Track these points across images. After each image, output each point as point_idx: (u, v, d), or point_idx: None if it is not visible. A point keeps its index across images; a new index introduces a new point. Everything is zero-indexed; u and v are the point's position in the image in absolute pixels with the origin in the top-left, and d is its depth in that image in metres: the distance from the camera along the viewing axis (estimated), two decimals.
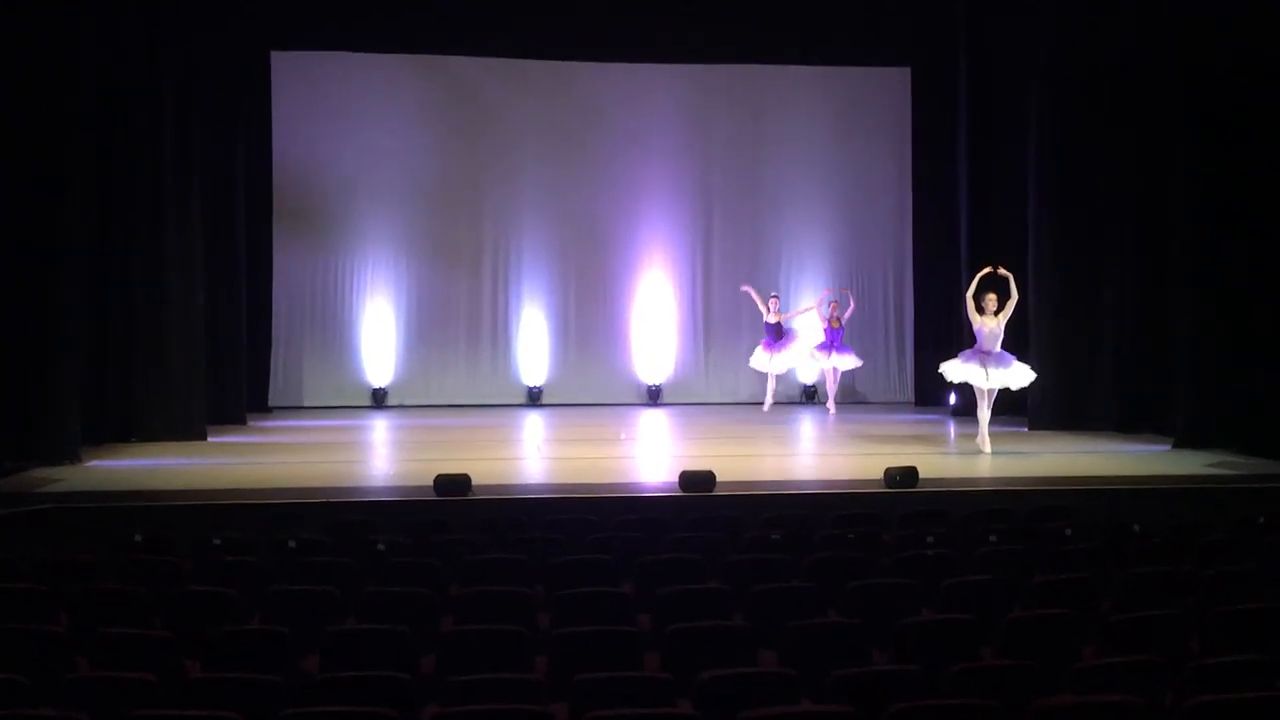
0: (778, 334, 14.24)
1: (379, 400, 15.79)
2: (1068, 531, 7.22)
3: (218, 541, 6.93)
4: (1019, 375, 11.12)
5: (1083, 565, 6.37)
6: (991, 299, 10.98)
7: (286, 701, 4.33)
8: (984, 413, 11.18)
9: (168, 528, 7.53)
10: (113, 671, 4.67)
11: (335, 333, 15.82)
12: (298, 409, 15.36)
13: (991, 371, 10.96)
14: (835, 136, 16.50)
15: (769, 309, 14.27)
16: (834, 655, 4.91)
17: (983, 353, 11.02)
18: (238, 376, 13.89)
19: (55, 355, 10.56)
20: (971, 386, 11.34)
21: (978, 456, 11.08)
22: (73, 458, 10.52)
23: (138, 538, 7.07)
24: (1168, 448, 11.50)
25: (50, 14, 10.48)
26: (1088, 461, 10.90)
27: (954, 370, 11.24)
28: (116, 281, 12.04)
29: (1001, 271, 11.11)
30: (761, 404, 14.70)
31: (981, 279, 11.14)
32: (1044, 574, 6.12)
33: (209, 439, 12.26)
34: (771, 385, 14.52)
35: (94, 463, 10.66)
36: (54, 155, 10.55)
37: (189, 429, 12.20)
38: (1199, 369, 11.47)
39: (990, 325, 10.97)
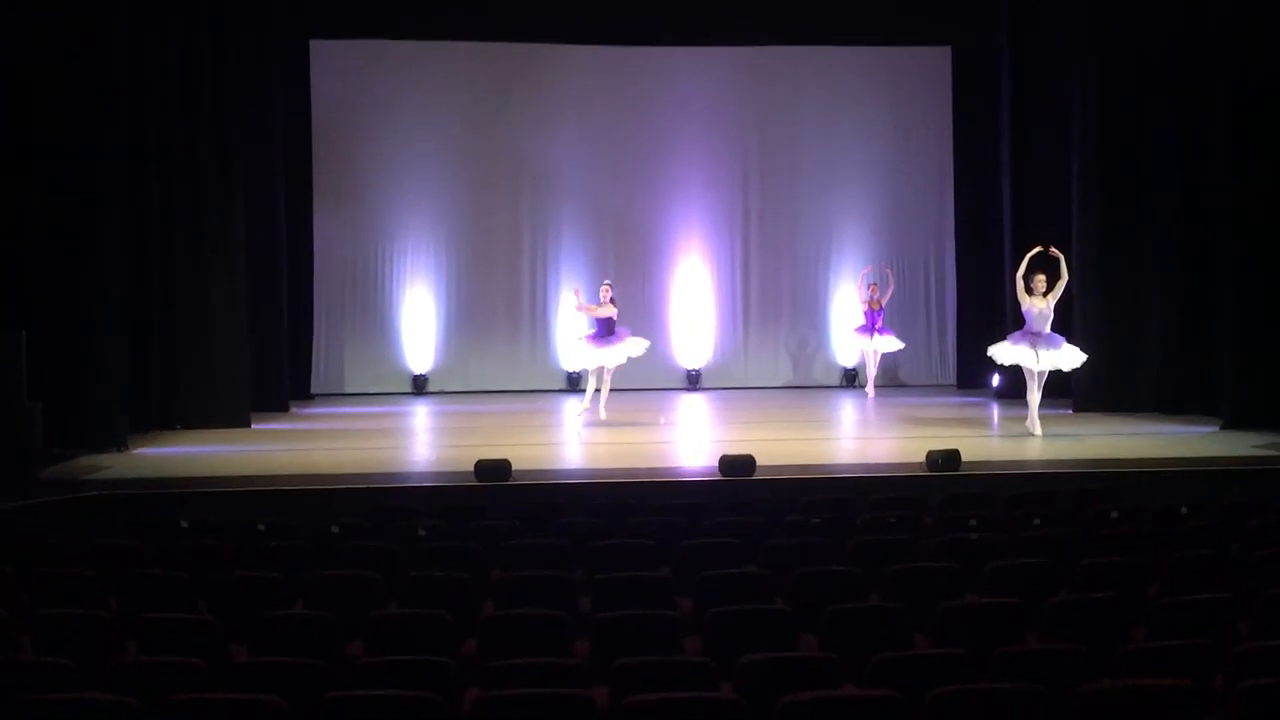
0: (609, 329, 12.06)
1: (419, 387, 15.87)
2: (1113, 514, 7.13)
3: (262, 527, 7.00)
4: (1070, 357, 10.98)
5: (1130, 548, 6.28)
6: (1041, 279, 10.83)
7: (331, 685, 4.37)
8: (1034, 395, 11.05)
9: (213, 514, 7.61)
10: (160, 656, 4.73)
11: (376, 320, 15.91)
12: (339, 396, 15.48)
13: (1042, 353, 10.82)
14: (875, 117, 16.34)
15: (602, 300, 12.10)
16: (875, 639, 4.87)
17: (1032, 334, 10.88)
18: (280, 364, 14.01)
19: (101, 345, 10.72)
20: (1020, 369, 11.21)
21: (1021, 439, 10.97)
22: (120, 445, 10.67)
23: (184, 524, 7.16)
24: (1215, 429, 11.33)
25: (83, 5, 10.58)
26: (1134, 443, 10.75)
27: (1004, 352, 11.11)
28: (160, 272, 12.16)
29: (1053, 251, 10.96)
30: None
31: (1031, 259, 10.98)
32: (1090, 557, 6.04)
33: (252, 426, 12.38)
34: (606, 384, 12.26)
35: (140, 450, 10.80)
36: (92, 146, 10.66)
37: (233, 416, 12.34)
38: (1246, 349, 11.29)
39: (1039, 306, 10.83)
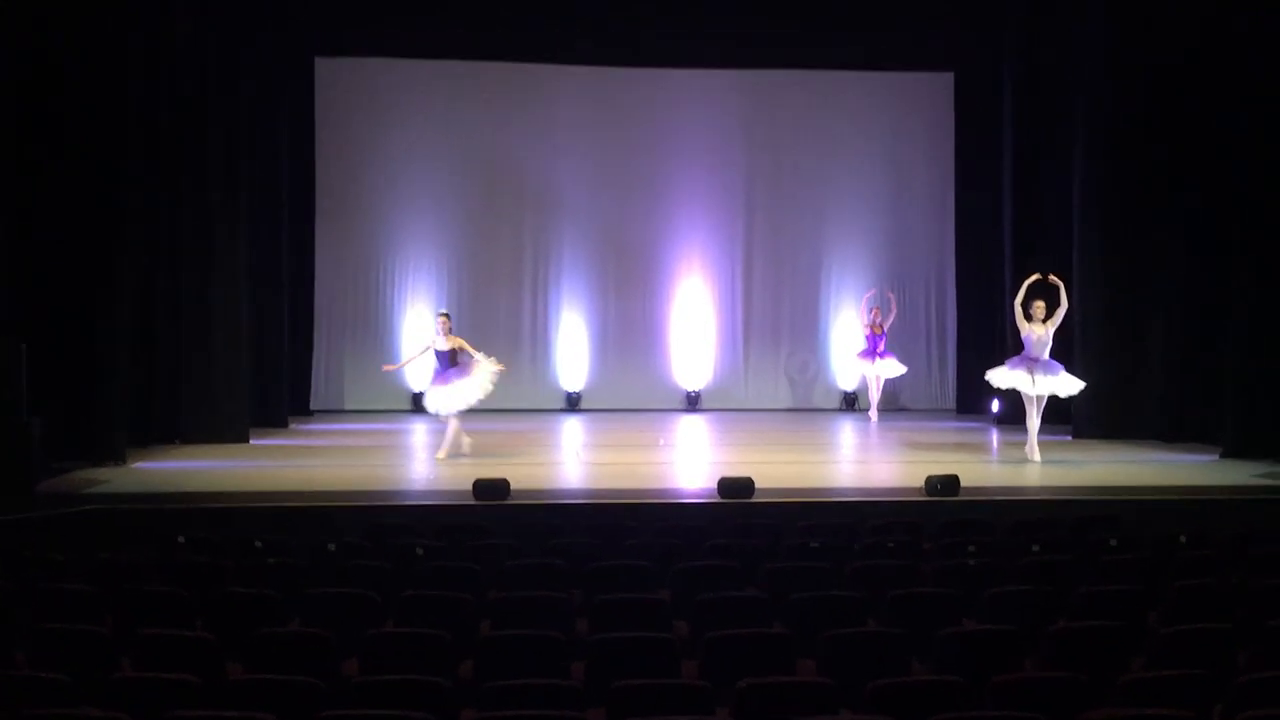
0: (451, 361, 11.14)
1: (419, 404, 15.85)
2: (1113, 542, 7.12)
3: (259, 544, 6.99)
4: (1067, 383, 10.98)
5: (1130, 577, 6.27)
6: (1040, 306, 10.85)
7: (326, 704, 4.35)
8: (1033, 421, 11.05)
9: (211, 530, 7.60)
10: (155, 672, 4.71)
11: (376, 337, 15.93)
12: (339, 412, 15.48)
13: (1039, 378, 10.82)
14: (878, 142, 16.41)
15: (439, 330, 11.25)
16: (873, 665, 4.86)
17: (1030, 360, 10.89)
18: (280, 380, 14.02)
19: (102, 358, 10.72)
20: (1018, 394, 11.21)
21: (1021, 465, 10.96)
22: (119, 459, 10.66)
23: (181, 539, 7.14)
24: (1215, 458, 11.31)
25: (97, 22, 10.63)
26: (1133, 471, 10.73)
27: (1001, 377, 11.10)
28: (163, 286, 12.19)
29: (1052, 279, 10.97)
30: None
31: (1030, 286, 11.00)
32: (1089, 585, 6.03)
33: (251, 442, 12.38)
34: (453, 429, 11.37)
35: (139, 464, 10.79)
36: (100, 162, 10.68)
37: (232, 432, 12.34)
38: (1247, 378, 11.29)
39: (1039, 333, 10.84)
